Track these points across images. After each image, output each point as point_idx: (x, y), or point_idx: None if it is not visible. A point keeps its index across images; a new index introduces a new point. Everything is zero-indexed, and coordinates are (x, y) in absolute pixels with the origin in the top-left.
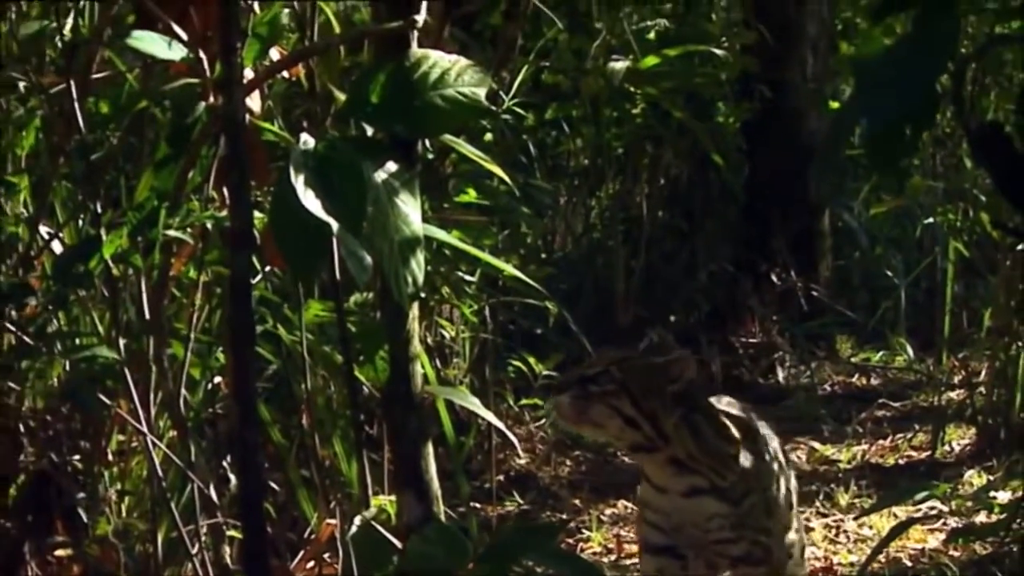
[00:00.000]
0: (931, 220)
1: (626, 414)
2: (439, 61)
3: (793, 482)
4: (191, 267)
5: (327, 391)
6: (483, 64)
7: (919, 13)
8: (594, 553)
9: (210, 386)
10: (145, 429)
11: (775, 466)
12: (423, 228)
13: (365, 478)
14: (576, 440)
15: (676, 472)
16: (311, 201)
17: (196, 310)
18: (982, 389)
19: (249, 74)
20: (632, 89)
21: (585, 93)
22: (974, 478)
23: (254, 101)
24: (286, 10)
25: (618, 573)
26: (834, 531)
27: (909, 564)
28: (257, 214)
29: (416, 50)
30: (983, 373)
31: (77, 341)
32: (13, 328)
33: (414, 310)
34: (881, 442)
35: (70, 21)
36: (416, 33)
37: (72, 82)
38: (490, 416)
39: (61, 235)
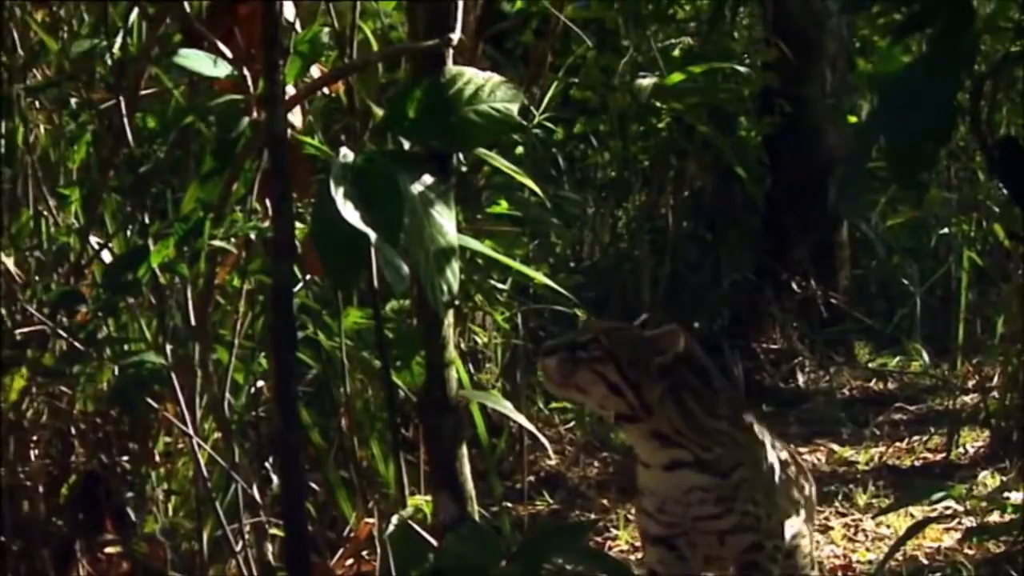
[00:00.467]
0: (946, 231)
1: (611, 381)
2: (473, 78)
3: (802, 482)
4: (235, 276)
5: (365, 395)
6: (515, 80)
7: (937, 33)
8: (621, 551)
9: (253, 390)
10: (191, 431)
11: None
12: (457, 238)
13: (402, 479)
14: (604, 442)
15: (659, 446)
16: (350, 212)
17: (240, 317)
18: (995, 393)
19: (291, 90)
20: (658, 104)
21: (613, 108)
22: (988, 479)
23: (295, 116)
24: (326, 29)
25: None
26: (853, 530)
27: (925, 562)
28: (298, 225)
29: (451, 67)
30: (996, 378)
31: (126, 347)
32: (65, 334)
33: (449, 317)
34: (898, 444)
35: (119, 40)
36: (451, 51)
37: (121, 98)
38: (521, 419)
39: (111, 245)
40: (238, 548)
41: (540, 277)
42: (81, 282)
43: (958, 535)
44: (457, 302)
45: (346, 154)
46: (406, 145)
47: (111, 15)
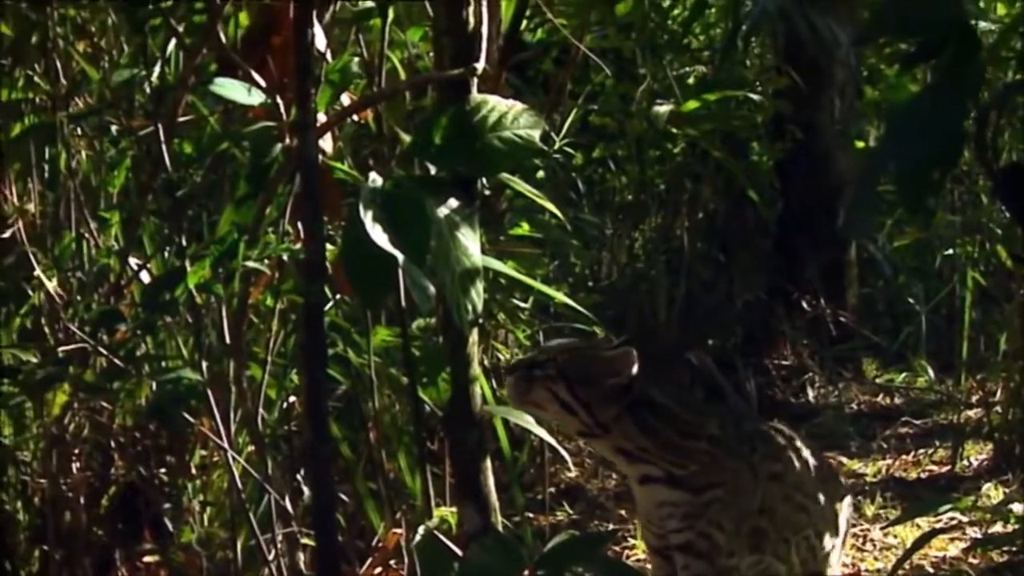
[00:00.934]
0: (950, 252)
1: (562, 399)
2: (497, 105)
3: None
4: (268, 295)
5: (393, 410)
6: (536, 107)
7: (945, 64)
8: (637, 560)
9: (285, 405)
10: (226, 445)
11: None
12: (482, 259)
13: (428, 490)
14: None
15: (627, 461)
16: (379, 235)
17: (273, 335)
18: (998, 408)
19: (322, 118)
20: (673, 130)
21: (630, 134)
22: (991, 491)
23: (326, 142)
24: (356, 59)
25: None
26: (861, 540)
27: (931, 571)
28: (329, 247)
29: (476, 95)
30: (999, 393)
31: (164, 364)
32: (105, 352)
33: (473, 335)
34: (904, 457)
35: (157, 69)
36: (476, 79)
37: (159, 125)
38: (543, 433)
39: (149, 266)
40: (271, 557)
41: (560, 296)
42: (121, 302)
43: (963, 545)
44: (481, 321)
45: (375, 179)
46: (432, 170)
47: (150, 46)
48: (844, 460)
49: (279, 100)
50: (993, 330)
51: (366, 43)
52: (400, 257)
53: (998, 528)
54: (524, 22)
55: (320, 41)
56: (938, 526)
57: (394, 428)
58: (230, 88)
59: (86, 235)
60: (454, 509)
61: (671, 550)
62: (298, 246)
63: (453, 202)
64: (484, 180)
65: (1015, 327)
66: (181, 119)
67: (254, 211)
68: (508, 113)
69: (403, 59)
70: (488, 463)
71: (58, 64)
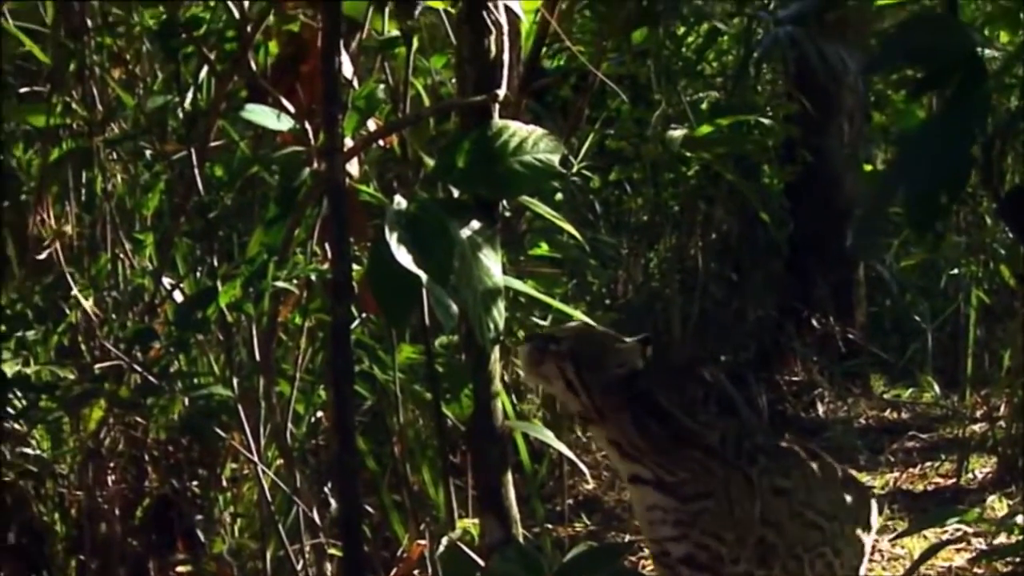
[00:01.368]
0: (955, 271)
1: (568, 378)
2: (518, 131)
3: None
4: (297, 314)
5: (417, 424)
6: (554, 132)
7: (953, 92)
8: (653, 570)
9: (313, 420)
10: (256, 458)
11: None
12: (503, 279)
13: (451, 502)
14: None
15: (619, 456)
16: (403, 256)
17: (301, 352)
18: (1002, 423)
19: (349, 143)
20: (687, 154)
21: (645, 158)
22: (995, 503)
23: (353, 166)
24: (381, 85)
25: None
26: (870, 550)
27: None
28: (355, 267)
29: (497, 120)
30: (1003, 408)
31: (196, 380)
32: (140, 369)
33: (495, 352)
34: (911, 470)
35: (190, 96)
36: (497, 105)
37: (192, 149)
38: (561, 447)
39: (182, 286)
40: (299, 567)
41: (578, 315)
42: (155, 320)
43: (969, 556)
44: (502, 338)
45: (400, 201)
46: (455, 193)
47: (183, 73)
48: (853, 473)
49: (307, 126)
50: (997, 347)
51: (391, 70)
52: (424, 277)
53: (1002, 539)
54: (543, 50)
55: (347, 69)
56: (944, 537)
57: (418, 442)
58: (260, 114)
59: (121, 256)
60: (476, 521)
61: (667, 557)
62: (325, 266)
63: (475, 224)
64: (505, 202)
65: (1018, 344)
66: (213, 144)
67: (283, 233)
68: (528, 138)
69: (427, 86)
70: (509, 476)
71: (94, 91)
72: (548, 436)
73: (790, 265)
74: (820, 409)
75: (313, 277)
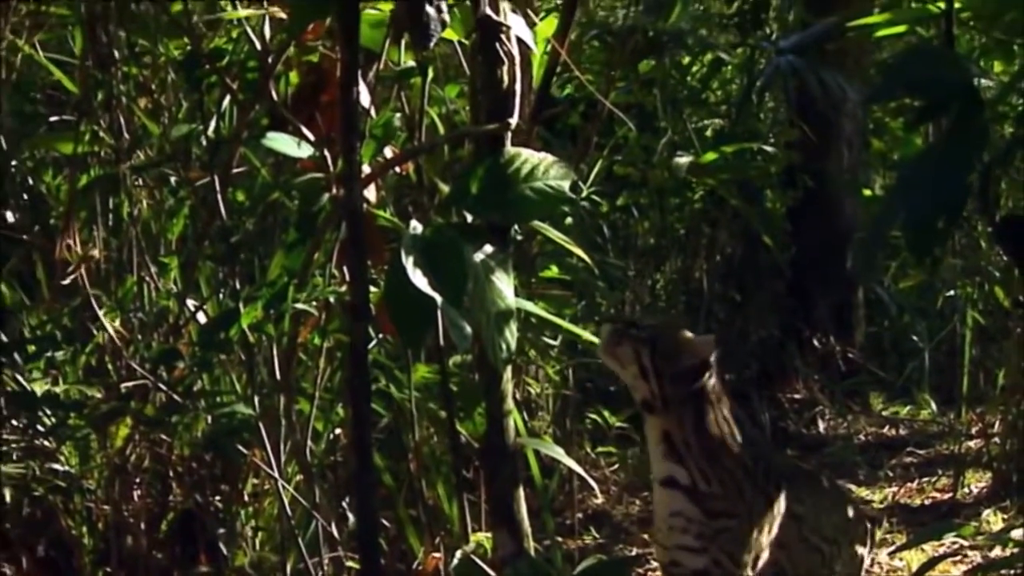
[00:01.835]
0: (952, 293)
1: (642, 363)
2: (529, 158)
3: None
4: (316, 335)
5: (432, 441)
6: (564, 158)
7: (950, 122)
8: None
9: (332, 437)
10: (276, 474)
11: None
12: (515, 301)
13: (465, 517)
14: (645, 483)
15: (664, 453)
16: (419, 278)
17: (320, 372)
18: (997, 439)
19: (366, 169)
20: (692, 180)
21: (652, 183)
22: (991, 517)
23: (370, 192)
24: (397, 114)
25: None
26: (869, 562)
27: None
28: (372, 289)
29: (510, 148)
30: (997, 425)
31: (218, 399)
32: (164, 388)
33: (507, 372)
34: (909, 485)
35: (213, 124)
36: (509, 133)
37: (215, 176)
38: (571, 462)
39: (205, 307)
40: None
41: (587, 335)
42: (179, 341)
43: (965, 568)
44: (514, 358)
45: (415, 226)
46: (469, 218)
47: (206, 102)
48: (853, 487)
49: (326, 153)
50: (992, 366)
51: (407, 100)
52: (439, 299)
53: (997, 552)
54: (553, 79)
55: (365, 98)
56: (942, 551)
57: (433, 458)
58: (281, 142)
59: (147, 278)
60: (489, 534)
61: (677, 568)
62: (344, 289)
63: (488, 248)
64: (517, 227)
65: (1012, 363)
66: (235, 170)
67: (303, 256)
68: (540, 165)
69: (441, 114)
70: (520, 491)
71: (121, 120)
72: (558, 452)
73: (792, 287)
74: (821, 426)
75: (332, 299)
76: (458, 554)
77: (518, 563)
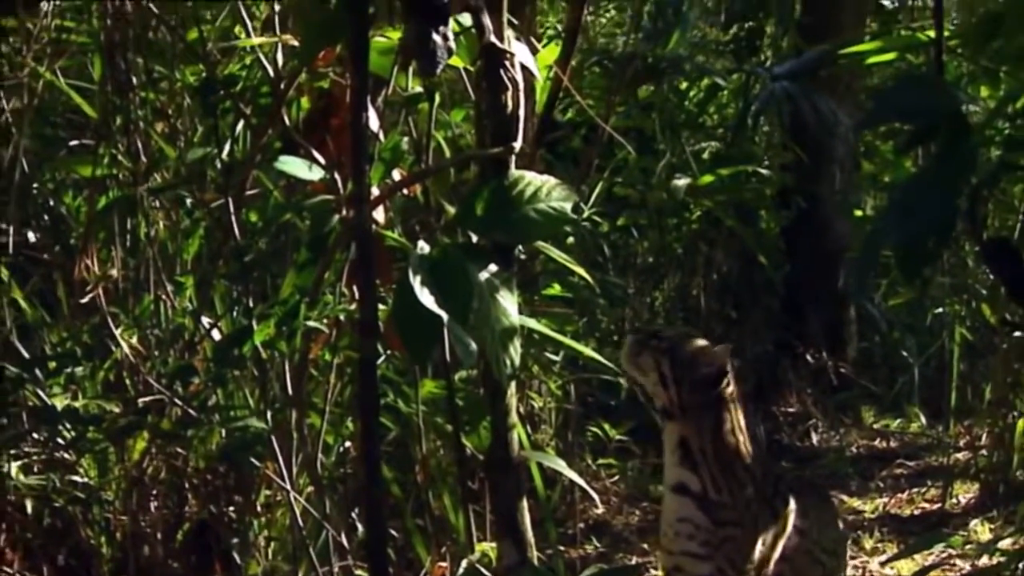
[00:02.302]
0: (940, 310)
1: (662, 371)
2: (533, 180)
3: None
4: (327, 351)
5: (438, 454)
6: (566, 180)
7: (939, 147)
8: None
9: (342, 450)
10: (288, 486)
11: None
12: (518, 319)
13: (470, 527)
14: (644, 494)
15: (679, 459)
16: (426, 297)
17: (330, 387)
18: (984, 451)
19: (375, 191)
20: (690, 201)
21: (651, 204)
22: (978, 526)
23: (379, 213)
24: (405, 138)
25: None
26: (861, 571)
27: None
28: (381, 307)
29: (514, 171)
30: (984, 437)
31: (232, 413)
32: (180, 402)
33: (511, 387)
34: (899, 495)
35: (227, 148)
36: (514, 156)
37: (229, 198)
38: (572, 474)
39: (220, 325)
40: None
41: (588, 351)
42: (194, 357)
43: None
44: (518, 373)
45: (423, 246)
46: (475, 238)
47: (220, 126)
48: (845, 498)
49: (337, 175)
50: (979, 381)
51: (414, 124)
52: (445, 317)
53: (985, 561)
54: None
55: (373, 122)
56: (931, 559)
57: (439, 470)
58: (293, 165)
59: (163, 297)
60: (494, 544)
61: (679, 574)
62: (353, 307)
63: (493, 267)
64: (521, 247)
65: (998, 378)
66: (249, 192)
67: (314, 275)
68: (543, 187)
69: (448, 138)
70: (524, 502)
71: (139, 143)
72: (560, 465)
73: (785, 304)
74: (814, 438)
75: (342, 317)
76: (464, 563)
77: (522, 572)
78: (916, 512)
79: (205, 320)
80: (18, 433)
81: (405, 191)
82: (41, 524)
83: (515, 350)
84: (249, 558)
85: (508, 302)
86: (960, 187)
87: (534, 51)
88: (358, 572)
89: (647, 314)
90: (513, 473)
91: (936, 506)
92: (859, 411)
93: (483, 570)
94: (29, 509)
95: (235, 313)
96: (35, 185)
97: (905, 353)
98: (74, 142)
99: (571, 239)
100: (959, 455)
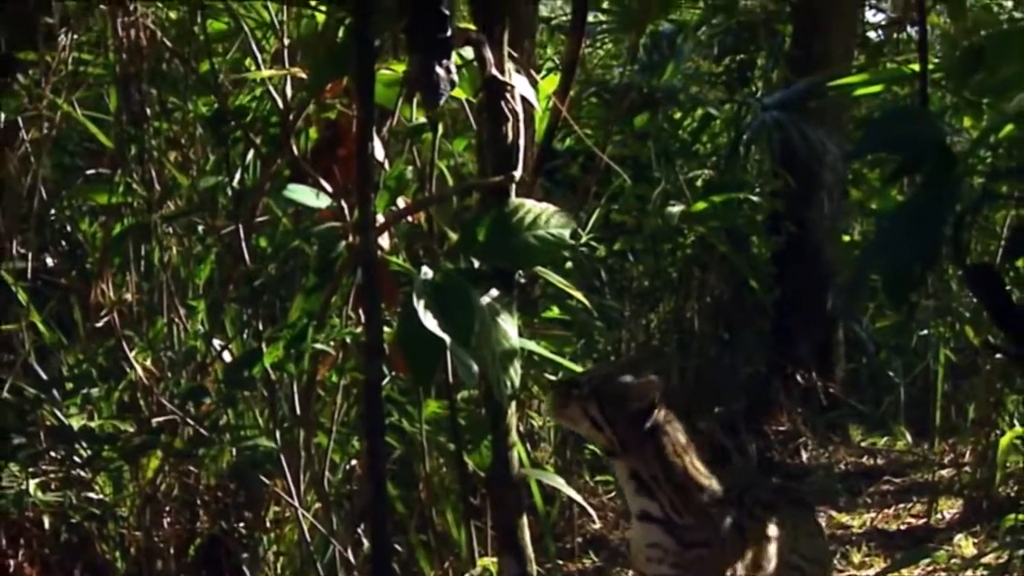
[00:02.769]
0: (925, 332)
1: (592, 416)
2: (532, 208)
3: None
4: (334, 373)
5: (441, 472)
6: (564, 206)
7: (925, 178)
8: None
9: (348, 468)
10: (296, 503)
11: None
12: (518, 342)
13: (472, 542)
14: None
15: (635, 489)
16: (429, 320)
17: (337, 407)
18: (968, 468)
19: (380, 218)
20: (684, 226)
21: (646, 230)
22: (962, 541)
23: (384, 240)
24: (409, 167)
25: None
26: None
27: None
28: (386, 330)
29: (514, 199)
30: (968, 455)
31: (242, 432)
32: (192, 422)
33: (511, 407)
34: (886, 511)
35: (238, 176)
36: (514, 185)
37: (239, 224)
38: (571, 491)
39: (230, 347)
40: None
41: None
42: (206, 378)
43: None
44: (517, 393)
45: (426, 272)
46: (476, 264)
47: (231, 156)
48: (834, 514)
49: (343, 203)
50: (963, 400)
51: (418, 153)
52: (448, 340)
53: (969, 575)
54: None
55: (379, 152)
56: (917, 572)
57: (442, 488)
58: (301, 193)
59: (176, 320)
60: (495, 558)
61: None
62: (359, 330)
63: (494, 292)
64: (521, 272)
65: (981, 398)
66: (258, 219)
67: (321, 299)
68: (542, 215)
69: (450, 167)
70: (524, 518)
71: (153, 172)
72: (559, 482)
73: (776, 326)
74: (804, 456)
75: (348, 339)
76: None
77: None
78: (902, 527)
79: (216, 343)
80: (36, 452)
81: (409, 218)
82: (58, 539)
83: (515, 371)
84: (259, 572)
85: (508, 325)
86: (945, 216)
87: (533, 83)
88: None
89: (643, 336)
90: (513, 490)
91: (922, 521)
92: (847, 429)
93: None
94: (47, 525)
95: (245, 336)
96: (53, 212)
97: (891, 373)
98: (90, 171)
99: (569, 264)
100: (944, 472)
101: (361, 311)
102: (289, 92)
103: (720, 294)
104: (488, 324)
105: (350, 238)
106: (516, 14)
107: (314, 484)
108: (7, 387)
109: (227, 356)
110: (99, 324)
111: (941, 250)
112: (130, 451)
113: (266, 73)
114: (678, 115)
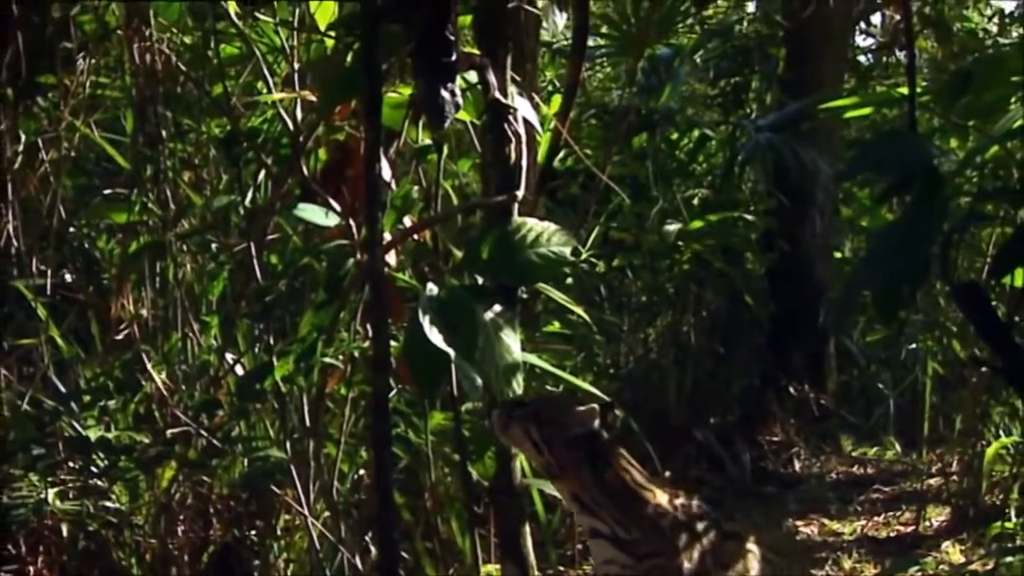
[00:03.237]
0: (914, 345)
1: (532, 438)
2: (535, 226)
3: None
4: (342, 386)
5: (446, 481)
6: (565, 225)
7: (913, 199)
8: None
9: (356, 477)
10: (306, 511)
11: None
12: (521, 355)
13: (476, 549)
14: None
15: (580, 510)
16: (435, 335)
17: (346, 419)
18: (955, 477)
19: (387, 236)
20: (681, 244)
21: (644, 247)
22: (949, 548)
23: (391, 257)
24: (415, 187)
25: None
26: None
27: None
28: (393, 344)
29: (517, 217)
30: (955, 464)
31: (254, 443)
32: (205, 433)
33: None
34: (876, 519)
35: (250, 195)
36: (516, 204)
37: (251, 242)
38: None
39: (242, 361)
40: None
41: (586, 385)
42: (219, 391)
43: None
44: None
45: (431, 288)
46: (480, 280)
47: (243, 176)
48: (825, 521)
49: (352, 222)
50: (950, 411)
51: (424, 173)
52: (453, 354)
53: None
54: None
55: (386, 172)
56: None
57: (447, 497)
58: (311, 212)
59: (190, 335)
60: (498, 565)
61: None
62: (367, 344)
63: (497, 307)
64: (523, 288)
65: (968, 409)
66: (270, 237)
67: (330, 315)
68: (544, 233)
69: (455, 186)
70: (526, 526)
71: (167, 192)
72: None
73: (770, 340)
74: (797, 465)
75: (356, 353)
76: None
77: None
78: (892, 534)
79: (229, 356)
80: (55, 462)
81: (415, 236)
82: (76, 547)
83: (518, 384)
84: None
85: (511, 339)
86: (933, 236)
87: (535, 105)
88: None
89: (641, 350)
90: (516, 499)
91: (910, 529)
92: (839, 440)
93: None
94: (65, 532)
95: (257, 350)
96: (71, 230)
97: (881, 386)
98: (107, 190)
99: (570, 280)
100: (932, 481)
101: (369, 326)
102: (299, 114)
103: (716, 309)
104: (491, 338)
105: (358, 255)
106: (519, 39)
107: (323, 493)
108: (27, 399)
109: (239, 369)
110: (117, 338)
111: (929, 267)
112: (146, 461)
113: (277, 96)
114: (675, 136)
